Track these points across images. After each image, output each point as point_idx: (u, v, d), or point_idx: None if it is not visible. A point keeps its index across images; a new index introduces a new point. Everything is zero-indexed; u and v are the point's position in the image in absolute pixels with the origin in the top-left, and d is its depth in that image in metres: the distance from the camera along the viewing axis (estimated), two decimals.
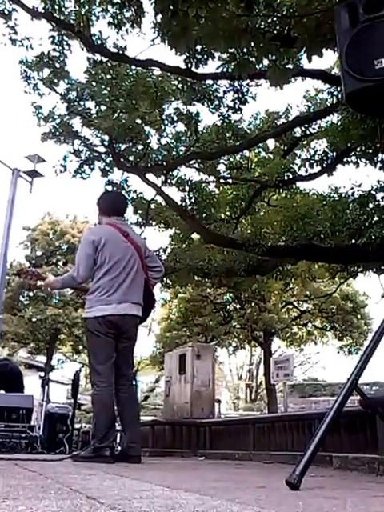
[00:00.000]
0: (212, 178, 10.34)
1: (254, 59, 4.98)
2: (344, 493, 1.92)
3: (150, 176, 9.46)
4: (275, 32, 4.99)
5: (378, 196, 7.87)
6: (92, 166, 9.62)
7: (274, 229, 9.03)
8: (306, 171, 9.13)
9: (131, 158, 9.35)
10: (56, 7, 7.19)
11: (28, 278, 3.96)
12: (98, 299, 3.67)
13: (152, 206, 10.52)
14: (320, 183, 55.13)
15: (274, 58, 4.89)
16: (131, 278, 3.76)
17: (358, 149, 7.85)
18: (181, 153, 9.48)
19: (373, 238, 7.11)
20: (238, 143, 9.29)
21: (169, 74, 8.15)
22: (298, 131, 9.37)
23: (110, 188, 10.19)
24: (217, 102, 8.71)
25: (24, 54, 8.30)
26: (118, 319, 3.69)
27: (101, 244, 3.73)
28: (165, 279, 11.79)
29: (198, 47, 6.68)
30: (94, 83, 8.48)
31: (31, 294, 21.97)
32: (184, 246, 11.31)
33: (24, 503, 1.21)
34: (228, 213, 10.38)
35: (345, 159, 8.59)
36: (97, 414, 3.62)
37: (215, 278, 11.50)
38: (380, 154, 7.44)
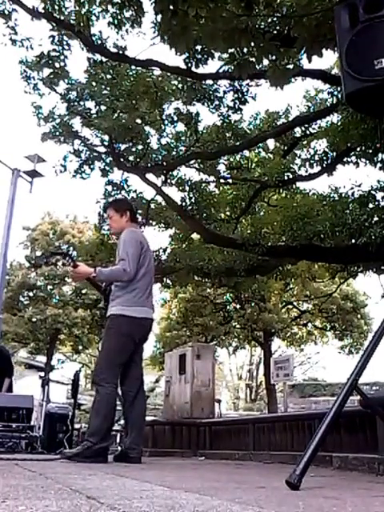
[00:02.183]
0: (212, 178, 10.34)
1: (254, 59, 4.98)
2: (344, 493, 1.92)
3: (150, 176, 9.46)
4: (275, 32, 4.99)
5: (378, 196, 7.87)
6: (92, 166, 9.62)
7: (274, 229, 9.02)
8: (306, 171, 9.13)
9: (131, 158, 9.35)
10: (56, 7, 7.19)
11: (66, 261, 3.80)
12: (137, 301, 3.72)
13: (152, 206, 10.51)
14: (320, 183, 55.17)
15: (274, 58, 4.88)
16: (152, 285, 3.96)
17: (358, 149, 7.85)
18: (181, 153, 9.47)
19: (373, 237, 7.11)
20: (238, 143, 9.29)
21: (169, 73, 8.15)
22: (298, 131, 9.36)
23: (109, 188, 10.19)
24: (217, 102, 8.71)
25: (24, 54, 8.31)
26: (148, 323, 3.82)
27: (144, 248, 3.86)
28: (165, 279, 11.80)
29: (198, 47, 6.68)
30: (94, 83, 8.47)
31: (31, 293, 21.98)
32: (184, 246, 11.31)
33: (24, 503, 1.21)
34: (228, 213, 10.38)
35: (345, 159, 8.59)
36: (104, 414, 3.57)
37: (215, 278, 11.50)
38: (380, 154, 7.44)
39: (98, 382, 3.67)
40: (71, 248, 19.80)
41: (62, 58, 8.00)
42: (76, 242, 20.96)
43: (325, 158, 8.75)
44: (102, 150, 9.57)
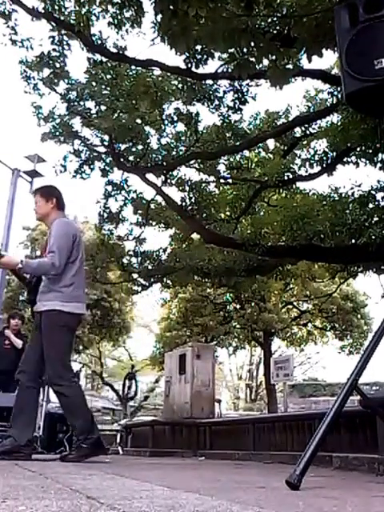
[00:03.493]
0: (212, 178, 10.34)
1: (254, 59, 4.97)
2: (344, 493, 1.92)
3: (150, 176, 9.46)
4: (275, 32, 4.99)
5: (378, 196, 7.87)
6: (92, 166, 9.62)
7: (274, 229, 9.01)
8: (306, 171, 9.11)
9: (131, 158, 9.34)
10: (56, 7, 7.19)
11: None
12: (74, 295, 3.71)
13: (152, 206, 10.51)
14: (320, 183, 55.05)
15: (274, 57, 4.88)
16: (85, 277, 3.95)
17: (358, 149, 7.85)
18: (181, 153, 9.47)
19: (373, 237, 7.11)
20: (238, 143, 9.28)
21: (169, 73, 8.14)
22: (297, 131, 9.36)
23: (109, 188, 10.18)
24: (217, 102, 8.70)
25: (24, 54, 8.29)
26: (82, 317, 3.88)
27: (77, 240, 3.82)
28: (165, 279, 11.80)
29: (198, 47, 6.67)
30: (94, 83, 8.46)
31: None
32: (184, 246, 11.31)
33: (24, 503, 1.21)
34: (228, 213, 10.37)
35: (345, 159, 8.58)
36: (81, 411, 3.62)
37: (215, 278, 11.50)
38: (380, 154, 7.44)
39: (58, 383, 3.62)
40: None
41: (62, 58, 8.00)
42: None
43: (325, 157, 8.73)
44: (102, 149, 9.57)
